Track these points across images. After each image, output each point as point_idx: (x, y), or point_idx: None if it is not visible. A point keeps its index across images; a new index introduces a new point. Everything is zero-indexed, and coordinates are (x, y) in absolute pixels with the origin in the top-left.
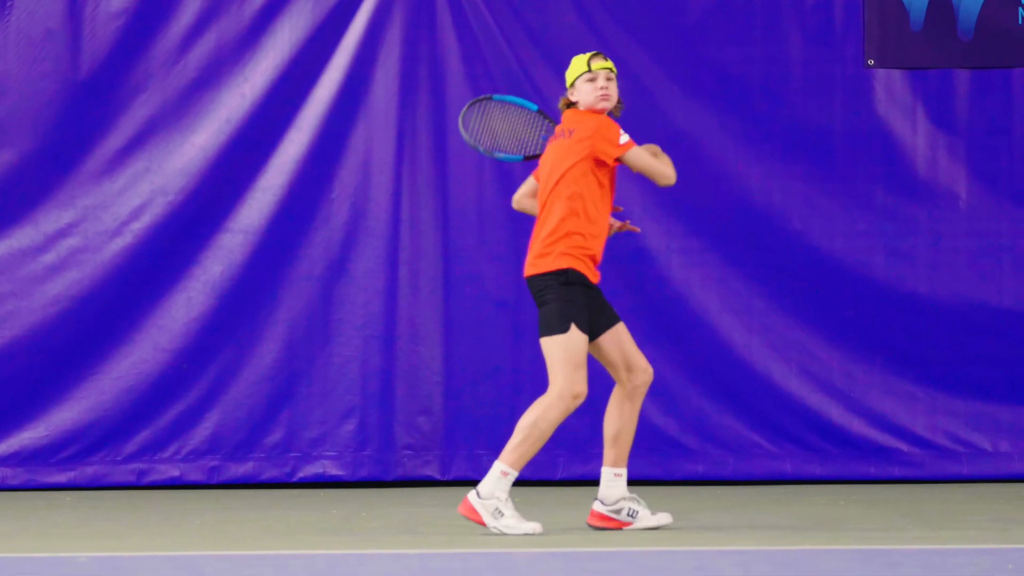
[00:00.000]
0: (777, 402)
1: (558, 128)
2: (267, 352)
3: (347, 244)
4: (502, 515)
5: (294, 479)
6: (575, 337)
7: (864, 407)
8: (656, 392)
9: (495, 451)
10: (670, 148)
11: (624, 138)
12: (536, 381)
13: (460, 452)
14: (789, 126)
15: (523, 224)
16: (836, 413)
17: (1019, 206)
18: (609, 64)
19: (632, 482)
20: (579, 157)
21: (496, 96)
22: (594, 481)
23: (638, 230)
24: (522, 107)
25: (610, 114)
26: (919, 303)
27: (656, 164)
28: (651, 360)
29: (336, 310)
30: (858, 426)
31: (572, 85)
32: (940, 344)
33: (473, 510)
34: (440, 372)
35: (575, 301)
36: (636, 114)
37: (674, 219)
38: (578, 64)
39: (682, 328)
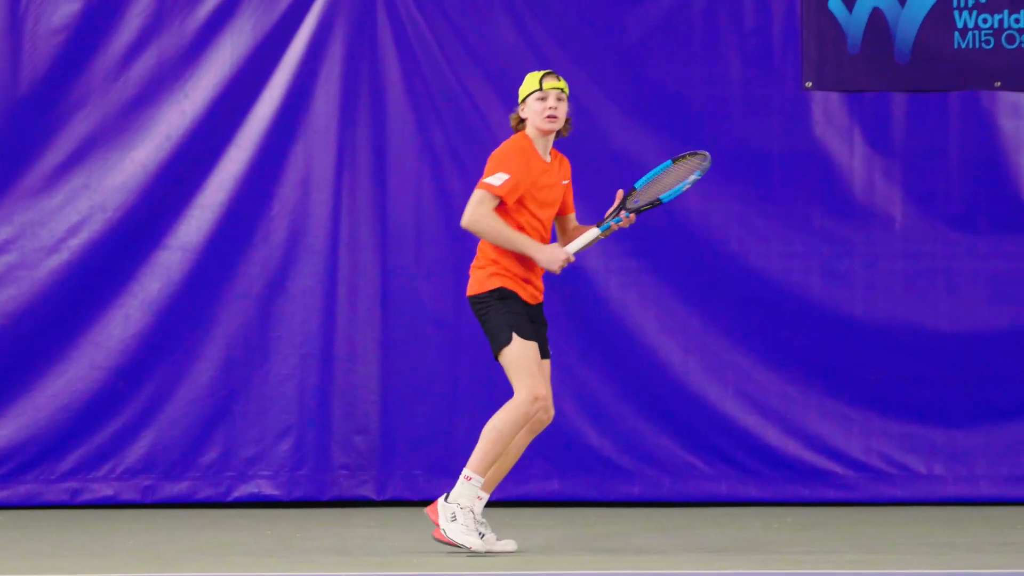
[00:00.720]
0: (713, 423)
1: None
2: (204, 370)
3: (286, 262)
4: (454, 520)
5: (229, 499)
6: (520, 344)
7: (800, 429)
8: (592, 412)
9: (432, 471)
10: (609, 167)
11: (490, 178)
12: (474, 401)
13: (397, 472)
14: (727, 147)
15: (462, 243)
16: (772, 435)
17: (954, 229)
18: (561, 84)
19: (568, 503)
20: None
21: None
22: (530, 503)
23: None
24: (661, 173)
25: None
26: (855, 325)
27: (472, 207)
28: (587, 380)
29: (274, 328)
30: (794, 448)
31: (523, 102)
32: (875, 366)
33: (435, 510)
34: (377, 391)
35: (514, 312)
36: (576, 134)
37: (611, 239)
38: (530, 82)
39: (619, 348)
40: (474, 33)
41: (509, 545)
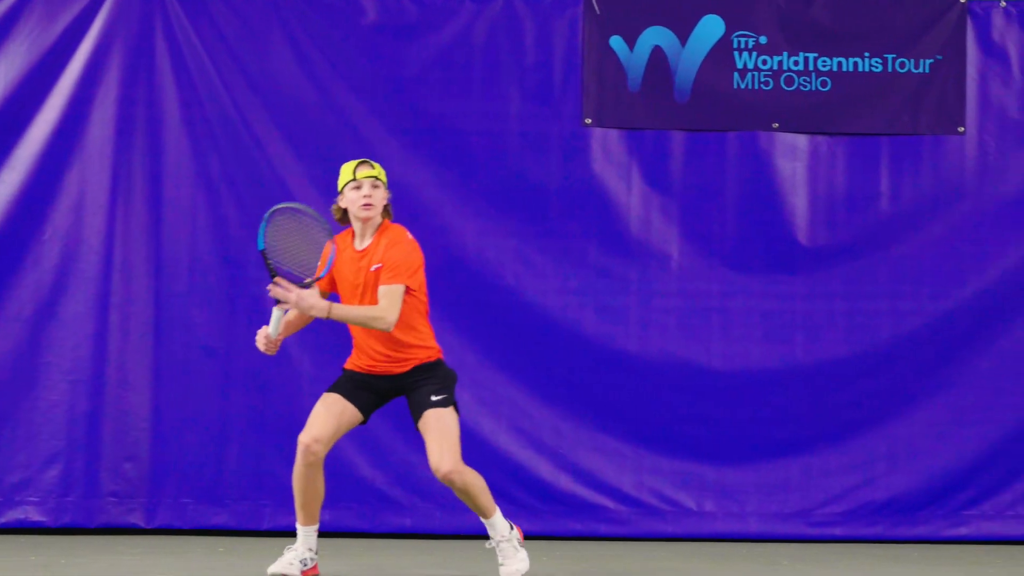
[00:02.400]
0: (486, 457)
1: None
2: None
3: (57, 287)
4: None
5: None
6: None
7: (572, 464)
8: (364, 444)
9: (200, 500)
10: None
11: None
12: (245, 430)
13: (165, 500)
14: (505, 181)
15: (236, 271)
16: (544, 469)
17: (729, 268)
18: (375, 172)
19: (339, 534)
20: None
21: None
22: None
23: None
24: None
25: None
26: (629, 361)
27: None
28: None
29: (44, 353)
30: (565, 482)
31: (341, 192)
32: (648, 402)
33: None
34: (148, 419)
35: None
36: None
37: None
38: (345, 172)
39: None
40: (253, 61)
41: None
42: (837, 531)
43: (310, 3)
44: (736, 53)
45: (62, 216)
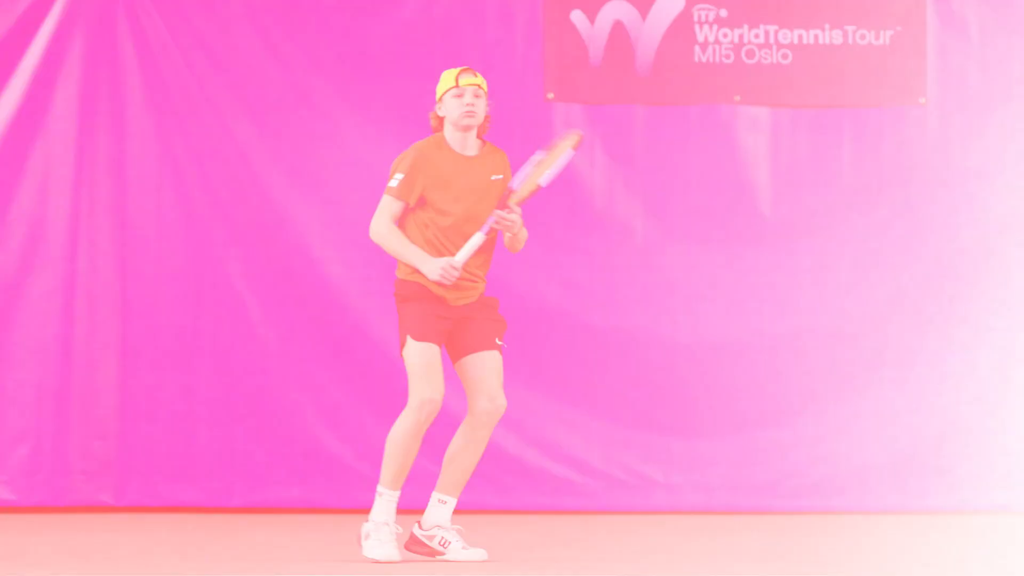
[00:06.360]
0: (453, 431)
1: None
2: None
3: (24, 267)
4: (367, 538)
5: None
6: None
7: (540, 438)
8: (333, 419)
9: (170, 477)
10: (352, 176)
11: (390, 181)
12: (213, 407)
13: (135, 478)
14: None
15: (201, 249)
16: (512, 443)
17: (693, 241)
18: (478, 80)
19: (308, 510)
20: None
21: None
22: (271, 509)
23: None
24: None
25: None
26: (595, 335)
27: (375, 216)
28: (328, 387)
29: (11, 333)
30: (533, 456)
31: (440, 99)
32: (614, 376)
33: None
34: (116, 397)
35: None
36: (319, 145)
37: (353, 252)
38: (447, 79)
39: (360, 356)
40: (216, 39)
41: (478, 554)
42: (804, 503)
43: None
44: (697, 26)
45: (27, 197)
